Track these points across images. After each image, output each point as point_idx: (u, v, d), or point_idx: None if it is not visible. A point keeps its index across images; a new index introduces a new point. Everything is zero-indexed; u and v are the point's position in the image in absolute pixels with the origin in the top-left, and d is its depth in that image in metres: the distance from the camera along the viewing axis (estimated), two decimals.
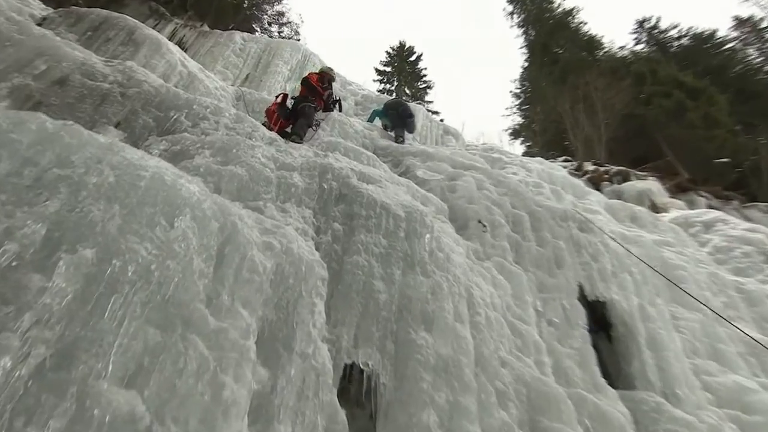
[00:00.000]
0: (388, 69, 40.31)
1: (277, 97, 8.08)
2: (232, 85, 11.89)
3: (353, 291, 3.24)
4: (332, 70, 9.55)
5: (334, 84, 9.38)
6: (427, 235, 3.91)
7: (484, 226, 5.46)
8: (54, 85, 5.00)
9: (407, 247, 3.71)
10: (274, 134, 5.92)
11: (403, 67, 39.52)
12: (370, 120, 11.52)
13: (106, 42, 9.07)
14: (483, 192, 6.15)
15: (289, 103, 8.07)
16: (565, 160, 19.00)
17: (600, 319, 5.10)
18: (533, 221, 5.82)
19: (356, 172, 4.57)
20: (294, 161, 4.43)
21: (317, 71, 9.03)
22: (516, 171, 10.86)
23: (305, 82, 8.29)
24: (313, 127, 7.73)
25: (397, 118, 10.12)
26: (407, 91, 38.06)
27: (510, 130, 36.23)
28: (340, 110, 9.01)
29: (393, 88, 38.78)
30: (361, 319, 3.13)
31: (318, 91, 8.22)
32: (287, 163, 4.35)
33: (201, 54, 15.96)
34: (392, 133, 10.02)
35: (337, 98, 9.13)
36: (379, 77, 39.87)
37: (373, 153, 7.26)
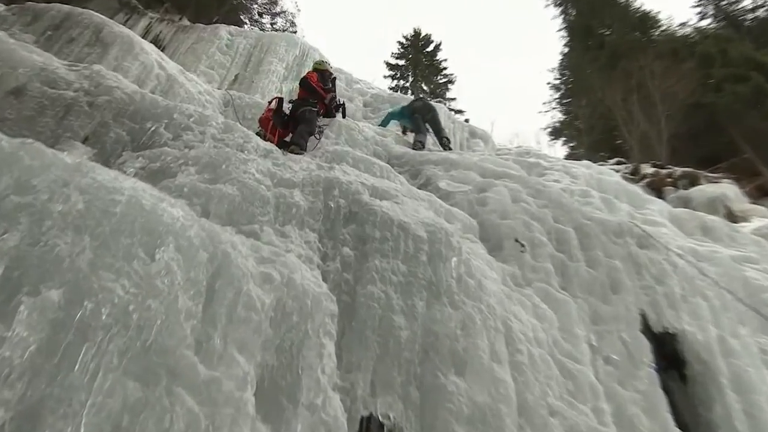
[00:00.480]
0: (401, 62, 40.70)
1: (270, 101, 8.19)
2: (219, 89, 12.12)
3: (368, 328, 3.24)
4: (327, 63, 9.64)
5: (338, 83, 9.47)
6: (454, 259, 3.90)
7: (522, 245, 5.44)
8: (8, 96, 5.12)
9: (431, 273, 3.71)
10: (270, 145, 5.99)
11: (418, 60, 39.88)
12: (384, 124, 11.64)
13: (69, 43, 9.32)
14: (519, 204, 6.13)
15: (287, 108, 8.18)
16: (618, 163, 18.93)
17: (670, 355, 5.00)
18: (581, 238, 5.78)
19: (368, 187, 4.60)
20: (294, 176, 4.48)
21: (319, 68, 9.12)
22: (558, 178, 10.81)
23: (304, 83, 8.41)
24: (316, 135, 7.81)
25: (420, 122, 10.33)
26: (424, 87, 38.36)
27: (549, 129, 36.40)
28: (344, 116, 9.08)
29: (407, 84, 39.11)
30: (379, 362, 3.12)
31: (319, 94, 8.32)
32: (286, 178, 4.40)
33: (181, 53, 16.30)
34: (409, 138, 10.12)
35: (341, 102, 9.23)
36: (391, 72, 40.25)
37: (387, 163, 7.30)
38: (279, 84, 15.51)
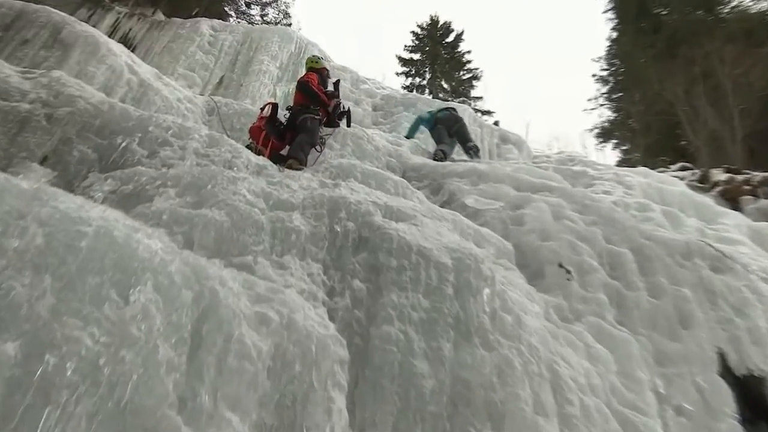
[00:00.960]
0: (416, 56, 40.97)
1: (263, 108, 8.25)
2: (202, 94, 12.27)
3: (386, 377, 3.22)
4: (324, 60, 9.71)
5: (342, 84, 9.48)
6: (487, 290, 3.89)
7: (568, 271, 5.42)
8: None
9: (458, 308, 3.70)
10: (263, 160, 6.04)
11: (436, 52, 40.15)
12: (411, 133, 11.77)
13: (23, 45, 9.47)
14: (562, 222, 6.14)
15: (282, 115, 8.25)
16: (682, 168, 18.80)
17: (757, 403, 4.93)
18: (641, 261, 5.75)
19: (380, 207, 4.63)
20: (293, 196, 4.51)
21: (316, 67, 9.15)
22: (609, 189, 10.78)
23: (304, 87, 8.38)
24: (318, 147, 7.86)
25: (443, 134, 10.46)
26: (445, 85, 38.53)
27: (596, 131, 36.23)
28: (349, 124, 9.12)
29: (424, 82, 39.29)
30: (400, 418, 3.09)
31: (321, 100, 8.34)
32: (284, 199, 4.44)
33: (155, 53, 16.58)
34: (427, 146, 10.21)
35: (347, 107, 9.25)
36: (404, 69, 40.52)
37: (403, 177, 7.34)
38: (272, 86, 15.70)
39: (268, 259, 3.80)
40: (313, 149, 7.71)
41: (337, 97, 9.02)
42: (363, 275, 3.88)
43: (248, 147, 7.18)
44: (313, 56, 9.82)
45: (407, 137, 11.84)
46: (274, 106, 8.17)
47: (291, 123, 7.99)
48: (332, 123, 8.77)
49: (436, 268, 3.89)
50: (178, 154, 5.46)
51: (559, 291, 5.23)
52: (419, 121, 11.81)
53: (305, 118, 7.79)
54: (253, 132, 7.85)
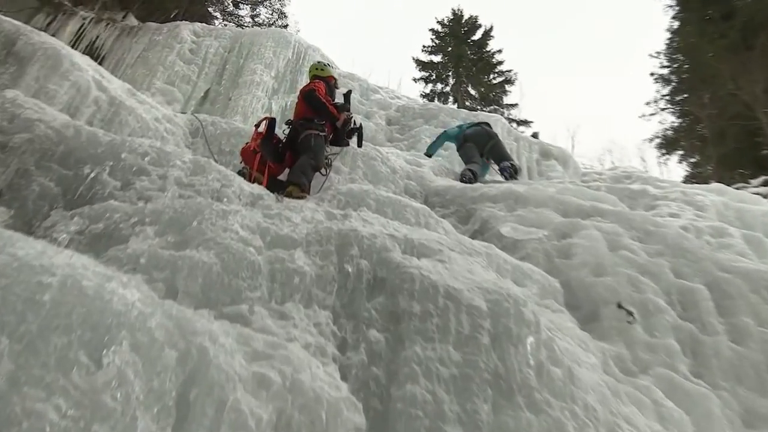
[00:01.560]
0: (437, 58, 41.18)
1: (257, 125, 8.26)
2: (183, 112, 12.39)
3: None
4: (331, 67, 9.68)
5: (353, 95, 9.39)
6: (530, 339, 3.86)
7: (629, 312, 5.37)
8: None
9: (497, 362, 3.67)
10: (258, 188, 6.07)
11: (461, 53, 40.37)
12: (432, 151, 11.80)
13: None
14: (620, 253, 6.12)
15: (281, 131, 8.27)
16: (765, 183, 18.70)
17: None
18: (719, 298, 5.70)
19: (399, 240, 4.64)
20: (295, 231, 4.53)
21: (322, 75, 9.15)
22: (676, 211, 10.70)
23: (310, 97, 8.38)
24: (323, 170, 7.86)
25: (473, 153, 10.49)
26: (472, 92, 38.63)
27: (658, 140, 35.98)
28: (360, 143, 9.10)
29: (448, 88, 39.41)
30: None
31: (330, 113, 8.35)
32: (284, 235, 4.46)
33: (128, 64, 16.79)
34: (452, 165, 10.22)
35: (358, 124, 9.20)
36: (423, 73, 40.79)
37: (425, 203, 7.35)
38: (266, 100, 15.83)
39: (266, 308, 3.79)
40: (318, 173, 7.69)
41: (348, 110, 9.02)
42: (380, 324, 3.86)
43: (240, 173, 7.22)
44: (318, 62, 9.83)
45: (428, 155, 11.86)
46: (271, 122, 8.14)
47: (291, 141, 8.02)
48: (340, 141, 8.79)
49: (468, 314, 3.86)
50: (157, 185, 5.51)
51: (618, 337, 5.18)
52: (444, 137, 11.84)
53: (308, 135, 7.81)
54: (246, 155, 7.86)
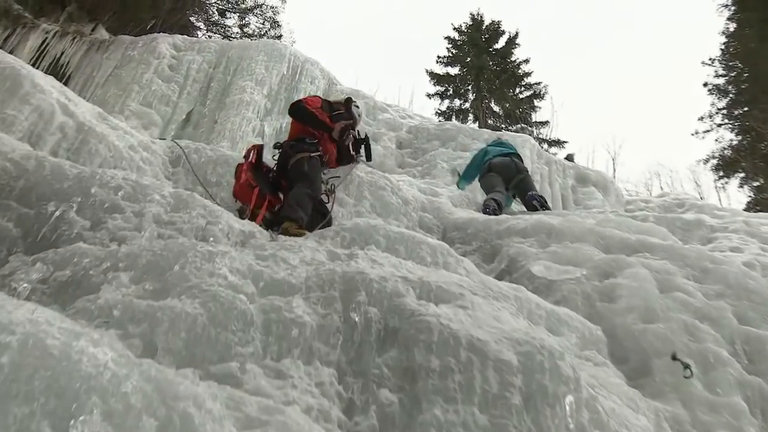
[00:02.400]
0: (454, 70, 41.32)
1: (248, 153, 8.24)
2: (162, 138, 12.40)
3: None
4: (354, 103, 9.44)
5: (354, 108, 9.20)
6: (569, 398, 3.83)
7: (686, 365, 5.31)
8: None
9: (530, 425, 3.62)
10: (249, 224, 6.07)
11: (482, 63, 40.48)
12: (467, 180, 11.78)
13: None
14: (673, 295, 6.07)
15: (271, 157, 8.28)
16: None
17: None
18: None
19: (413, 283, 4.61)
20: (292, 275, 4.51)
21: (331, 100, 9.12)
22: (738, 244, 10.68)
23: (297, 110, 8.40)
24: (325, 196, 7.84)
25: (495, 183, 10.54)
26: (495, 108, 38.70)
27: (714, 161, 35.90)
28: (369, 156, 9.07)
29: (467, 104, 39.53)
30: None
31: (321, 122, 8.31)
32: (279, 279, 4.43)
33: (97, 84, 16.89)
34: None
35: (362, 135, 9.10)
36: (438, 88, 40.95)
37: (443, 239, 7.34)
38: (258, 122, 15.89)
39: (260, 365, 3.76)
40: (319, 202, 7.67)
41: (349, 119, 8.90)
42: (393, 382, 3.82)
43: (241, 209, 7.23)
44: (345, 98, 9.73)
45: (461, 185, 11.84)
46: (259, 150, 8.16)
47: (281, 166, 8.03)
48: (344, 157, 8.80)
49: (495, 369, 3.82)
50: (132, 224, 5.51)
51: (674, 395, 5.12)
52: (479, 160, 11.79)
53: (300, 160, 7.77)
54: (241, 193, 7.84)
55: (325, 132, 8.34)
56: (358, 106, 9.26)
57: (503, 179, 10.99)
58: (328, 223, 7.22)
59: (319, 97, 8.89)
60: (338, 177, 8.47)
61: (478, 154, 12.08)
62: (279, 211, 7.45)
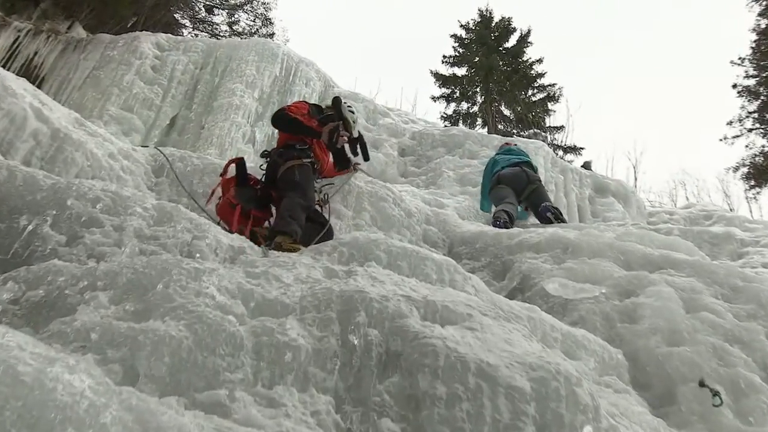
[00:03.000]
0: (461, 71, 41.29)
1: (222, 173, 8.22)
2: (145, 145, 12.36)
3: None
4: (350, 108, 9.41)
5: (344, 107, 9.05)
6: (588, 428, 3.82)
7: (715, 393, 5.29)
8: None
9: None
10: (239, 239, 6.06)
11: (491, 63, 40.46)
12: (488, 203, 11.76)
13: None
14: (700, 316, 6.06)
15: (258, 166, 8.26)
16: None
17: None
18: None
19: (417, 303, 4.61)
20: (286, 294, 4.50)
21: (322, 105, 9.13)
22: None
23: (279, 119, 8.38)
24: (318, 208, 7.82)
25: (507, 195, 10.53)
26: (506, 112, 38.70)
27: (744, 169, 35.81)
28: (366, 155, 9.03)
29: (475, 108, 39.53)
30: None
31: (308, 128, 8.28)
32: (272, 299, 4.42)
33: (74, 86, 16.85)
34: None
35: (355, 134, 8.97)
36: (444, 90, 40.96)
37: (449, 254, 7.32)
38: (249, 128, 15.91)
39: (250, 393, 3.74)
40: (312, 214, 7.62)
41: (336, 120, 8.84)
42: (396, 411, 3.81)
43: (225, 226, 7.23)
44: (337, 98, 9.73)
45: (485, 208, 11.80)
46: (240, 163, 8.18)
47: (270, 177, 8.03)
48: (340, 161, 8.85)
49: (507, 396, 3.81)
50: (111, 239, 5.51)
51: (702, 425, 5.10)
52: (489, 172, 11.77)
53: (289, 169, 7.76)
54: (223, 212, 7.84)
55: (314, 138, 8.31)
56: (350, 106, 9.22)
57: (514, 191, 11.01)
58: (328, 234, 7.22)
59: (306, 102, 8.87)
60: (332, 185, 8.45)
61: (488, 166, 12.08)
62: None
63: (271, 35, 31.10)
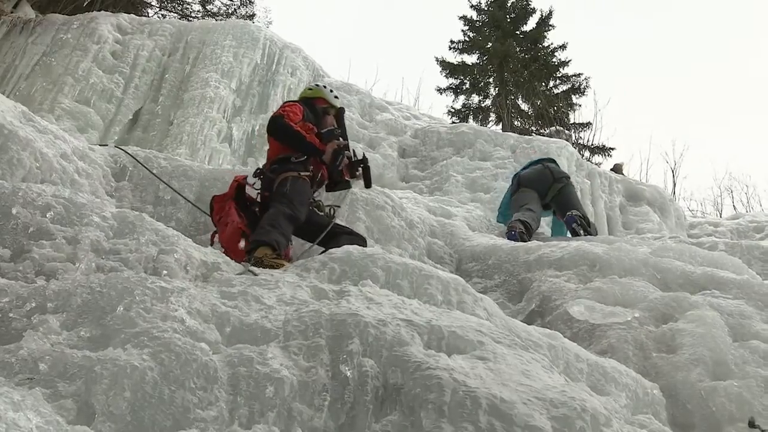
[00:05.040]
0: (471, 58, 41.25)
1: (233, 186, 8.22)
2: (103, 144, 12.35)
3: None
4: (325, 88, 9.57)
5: (349, 113, 9.14)
6: None
7: None
8: None
9: None
10: (213, 254, 6.04)
11: (507, 50, 40.39)
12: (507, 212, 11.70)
13: None
14: (749, 345, 6.07)
15: (252, 187, 8.26)
16: None
17: None
18: None
19: (420, 328, 4.61)
20: (267, 318, 4.49)
21: (310, 95, 9.12)
22: None
23: (273, 125, 8.38)
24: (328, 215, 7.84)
25: (529, 200, 10.48)
26: (524, 107, 38.68)
27: None
28: (368, 182, 9.03)
29: (488, 101, 39.52)
30: None
31: (308, 144, 8.25)
32: (251, 323, 4.41)
33: (21, 75, 16.81)
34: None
35: (359, 156, 9.01)
36: (452, 80, 40.90)
37: (457, 271, 7.32)
38: (225, 123, 15.84)
39: None
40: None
41: (339, 137, 8.79)
42: None
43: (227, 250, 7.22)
44: (313, 86, 9.72)
45: (501, 219, 11.73)
46: (240, 187, 8.17)
47: (266, 197, 8.00)
48: (338, 183, 8.81)
49: None
50: (64, 253, 5.49)
51: None
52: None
53: (282, 181, 7.79)
54: (229, 241, 7.66)
55: (316, 156, 8.27)
56: (337, 97, 9.26)
57: (537, 193, 10.97)
58: (359, 240, 7.26)
59: (298, 104, 8.75)
60: (336, 207, 8.45)
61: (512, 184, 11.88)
62: None
63: (251, 17, 31.10)
